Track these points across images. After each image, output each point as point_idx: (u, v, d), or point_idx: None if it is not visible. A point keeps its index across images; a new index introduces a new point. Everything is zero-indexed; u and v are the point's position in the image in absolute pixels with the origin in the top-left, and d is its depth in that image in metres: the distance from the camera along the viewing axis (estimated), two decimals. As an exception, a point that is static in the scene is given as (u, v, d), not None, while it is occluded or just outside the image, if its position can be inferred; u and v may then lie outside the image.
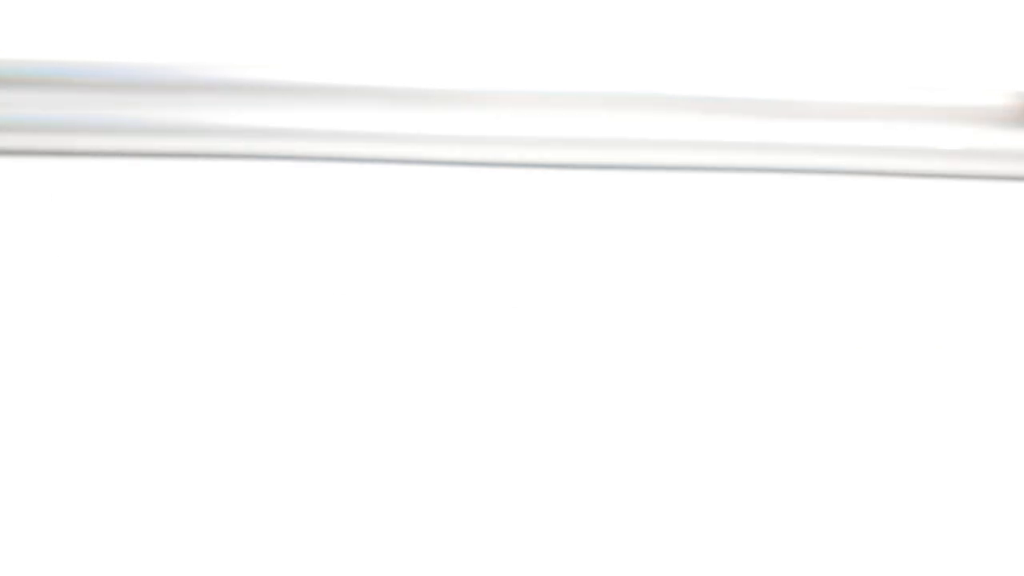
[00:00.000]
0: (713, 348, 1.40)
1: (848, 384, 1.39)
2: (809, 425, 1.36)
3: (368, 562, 1.29)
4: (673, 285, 1.44)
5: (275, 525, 1.29)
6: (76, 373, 1.36)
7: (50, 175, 1.47)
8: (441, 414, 1.35)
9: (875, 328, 1.42)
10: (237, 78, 1.47)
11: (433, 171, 1.49)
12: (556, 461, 1.34)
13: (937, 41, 1.54)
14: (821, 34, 1.54)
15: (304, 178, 1.48)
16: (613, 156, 1.50)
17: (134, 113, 1.47)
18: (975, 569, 1.30)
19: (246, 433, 1.34)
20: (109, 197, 1.46)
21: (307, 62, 1.47)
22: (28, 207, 1.45)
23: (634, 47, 1.51)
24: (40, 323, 1.39)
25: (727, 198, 1.49)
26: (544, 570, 1.29)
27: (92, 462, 1.32)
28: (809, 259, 1.46)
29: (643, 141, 1.49)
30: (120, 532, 1.29)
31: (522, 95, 1.48)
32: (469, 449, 1.34)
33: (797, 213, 1.48)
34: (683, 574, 1.29)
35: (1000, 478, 1.34)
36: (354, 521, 1.30)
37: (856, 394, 1.38)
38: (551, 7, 1.53)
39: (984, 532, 1.32)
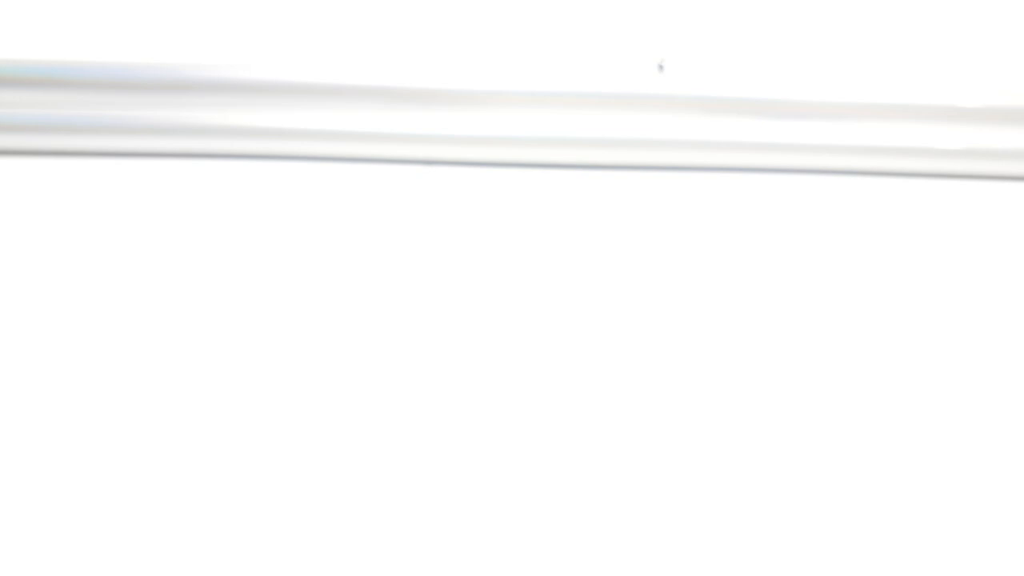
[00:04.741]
0: (713, 346, 1.40)
1: (848, 382, 1.39)
2: (809, 423, 1.36)
3: (367, 561, 1.29)
4: (673, 284, 1.44)
5: (273, 522, 1.29)
6: (76, 370, 1.36)
7: (50, 175, 1.47)
8: (440, 411, 1.35)
9: (875, 326, 1.42)
10: (237, 78, 1.47)
11: (433, 171, 1.49)
12: (557, 458, 1.34)
13: (938, 41, 1.54)
14: (822, 34, 1.54)
15: (304, 178, 1.48)
16: (613, 156, 1.50)
17: (134, 113, 1.47)
18: (975, 568, 1.30)
19: (246, 429, 1.33)
20: (109, 197, 1.46)
21: (307, 62, 1.47)
22: (28, 207, 1.45)
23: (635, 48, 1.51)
24: (41, 321, 1.39)
25: (727, 198, 1.49)
26: (543, 569, 1.29)
27: (92, 458, 1.32)
28: (809, 259, 1.46)
29: (643, 141, 1.49)
30: (118, 529, 1.29)
31: (522, 95, 1.48)
32: (469, 447, 1.34)
33: (797, 213, 1.49)
34: (683, 573, 1.29)
35: (1000, 477, 1.34)
36: (352, 518, 1.30)
37: (856, 392, 1.38)
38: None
39: (984, 531, 1.32)
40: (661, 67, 1.48)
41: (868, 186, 1.50)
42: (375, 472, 1.32)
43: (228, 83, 1.47)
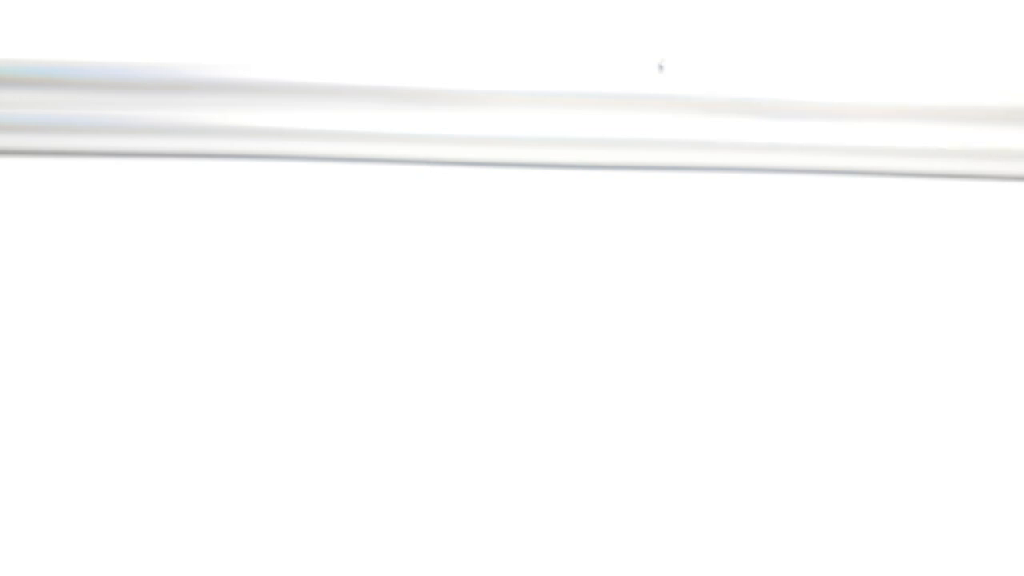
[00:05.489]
0: (713, 346, 1.40)
1: (848, 382, 1.39)
2: (809, 423, 1.36)
3: (368, 562, 1.29)
4: (673, 284, 1.44)
5: (274, 525, 1.30)
6: (77, 369, 1.36)
7: (50, 175, 1.47)
8: (440, 411, 1.35)
9: (875, 327, 1.42)
10: (237, 78, 1.47)
11: (433, 171, 1.49)
12: (556, 458, 1.34)
13: (938, 41, 1.54)
14: (822, 34, 1.54)
15: (304, 178, 1.48)
16: (613, 156, 1.50)
17: (134, 113, 1.47)
18: (975, 568, 1.31)
19: (246, 429, 1.34)
20: (109, 197, 1.46)
21: (307, 62, 1.47)
22: (28, 207, 1.45)
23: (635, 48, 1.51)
24: (41, 321, 1.39)
25: (727, 198, 1.49)
26: (543, 570, 1.29)
27: (91, 457, 1.32)
28: (809, 259, 1.46)
29: (643, 141, 1.49)
30: (120, 531, 1.29)
31: (522, 95, 1.48)
32: (468, 447, 1.34)
33: (797, 213, 1.49)
34: (683, 574, 1.29)
35: (1000, 476, 1.34)
36: (353, 520, 1.30)
37: (856, 392, 1.38)
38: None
39: (984, 531, 1.32)
40: (661, 67, 1.48)
41: (868, 186, 1.50)
42: (375, 472, 1.32)
43: (228, 83, 1.47)
